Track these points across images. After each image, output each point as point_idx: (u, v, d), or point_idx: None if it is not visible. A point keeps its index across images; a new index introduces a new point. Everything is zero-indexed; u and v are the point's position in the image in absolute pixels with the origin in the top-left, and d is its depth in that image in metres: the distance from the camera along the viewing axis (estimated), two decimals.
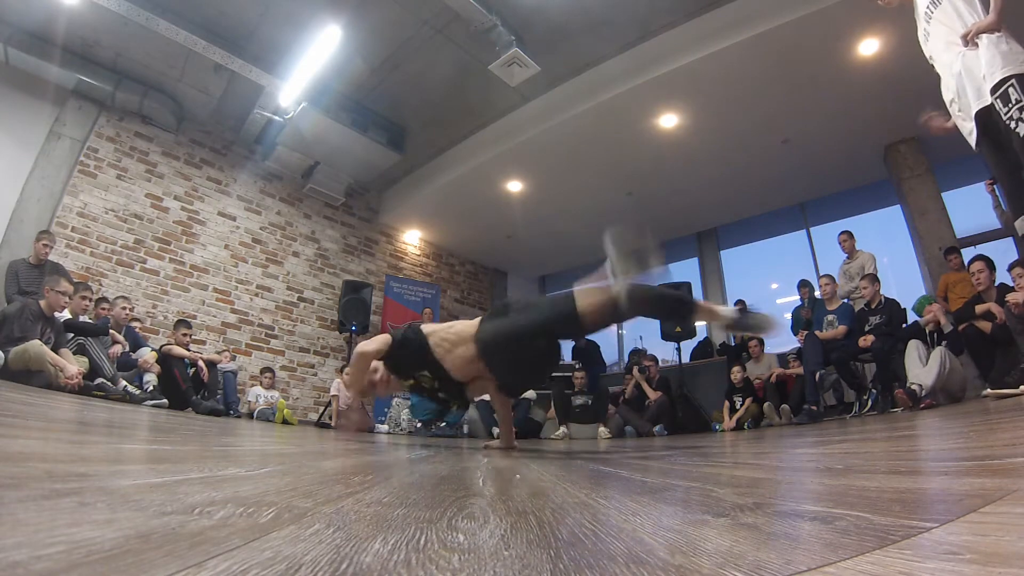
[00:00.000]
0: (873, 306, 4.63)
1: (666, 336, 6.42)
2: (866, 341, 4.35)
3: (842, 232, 5.50)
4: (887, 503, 0.55)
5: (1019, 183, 2.05)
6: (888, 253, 6.56)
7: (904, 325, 4.44)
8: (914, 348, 3.97)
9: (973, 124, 2.19)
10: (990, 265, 3.93)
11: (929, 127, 2.60)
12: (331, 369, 7.00)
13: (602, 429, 5.39)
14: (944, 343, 3.87)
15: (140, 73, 5.69)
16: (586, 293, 2.11)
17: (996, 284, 3.90)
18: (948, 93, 2.32)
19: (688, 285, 6.60)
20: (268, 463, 1.04)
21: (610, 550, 0.41)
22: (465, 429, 6.00)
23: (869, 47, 4.59)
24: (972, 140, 2.22)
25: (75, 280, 4.71)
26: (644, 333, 7.36)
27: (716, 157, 6.30)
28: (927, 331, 4.03)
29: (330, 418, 5.74)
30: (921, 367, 3.86)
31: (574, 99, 5.60)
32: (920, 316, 4.31)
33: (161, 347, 4.81)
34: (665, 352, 6.85)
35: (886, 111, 5.39)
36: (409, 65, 5.57)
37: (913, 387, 3.77)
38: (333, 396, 5.83)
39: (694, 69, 4.91)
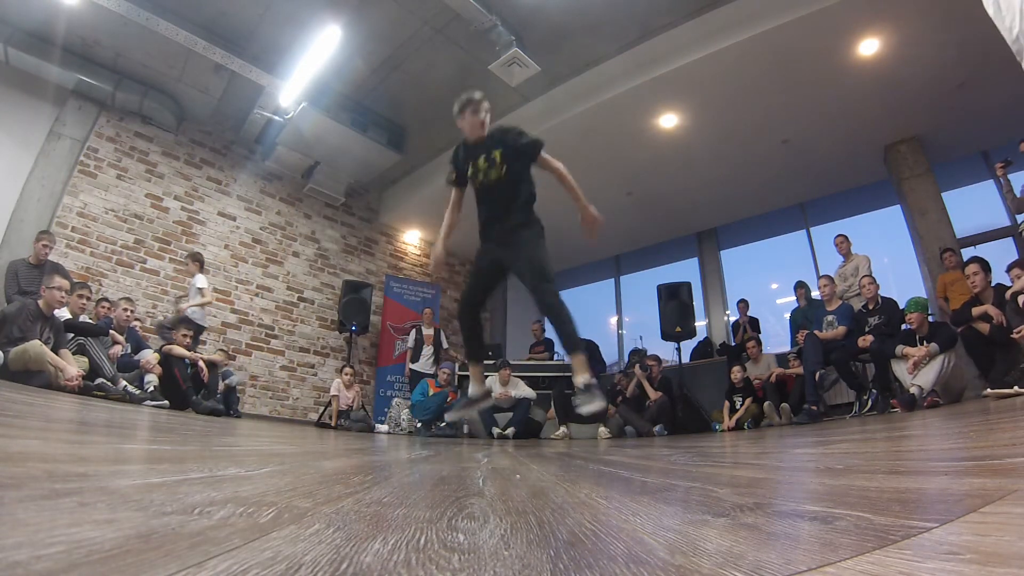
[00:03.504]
0: (871, 307, 4.63)
1: (666, 336, 6.42)
2: (865, 341, 4.36)
3: (838, 235, 5.60)
4: (887, 503, 0.55)
5: None
6: (888, 253, 6.56)
7: (903, 326, 4.45)
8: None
9: None
10: (985, 267, 3.93)
11: None
12: (331, 369, 7.00)
13: (602, 429, 5.39)
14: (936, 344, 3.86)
15: (140, 73, 5.68)
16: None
17: (993, 285, 3.90)
18: (1012, 31, 2.20)
19: (688, 285, 6.60)
20: (268, 463, 1.03)
21: (610, 550, 0.41)
22: (465, 429, 6.01)
23: (869, 47, 4.59)
24: None
25: (75, 280, 4.70)
26: (644, 333, 7.36)
27: (716, 157, 6.30)
28: (916, 336, 4.04)
29: (330, 418, 5.74)
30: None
31: (574, 99, 5.59)
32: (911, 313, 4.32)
33: (161, 347, 4.81)
34: (665, 352, 6.85)
35: (886, 111, 5.39)
36: (409, 65, 5.57)
37: (913, 389, 3.77)
38: (333, 396, 5.83)
39: (694, 69, 4.91)
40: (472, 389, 2.62)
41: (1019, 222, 4.35)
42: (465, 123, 2.61)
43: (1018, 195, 4.30)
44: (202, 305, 5.33)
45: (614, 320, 9.29)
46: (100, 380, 3.96)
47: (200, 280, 5.35)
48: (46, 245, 4.64)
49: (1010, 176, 4.36)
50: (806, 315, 5.45)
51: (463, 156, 2.69)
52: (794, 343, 5.55)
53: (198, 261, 5.52)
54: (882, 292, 4.69)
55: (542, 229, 2.62)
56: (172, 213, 6.13)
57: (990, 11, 2.27)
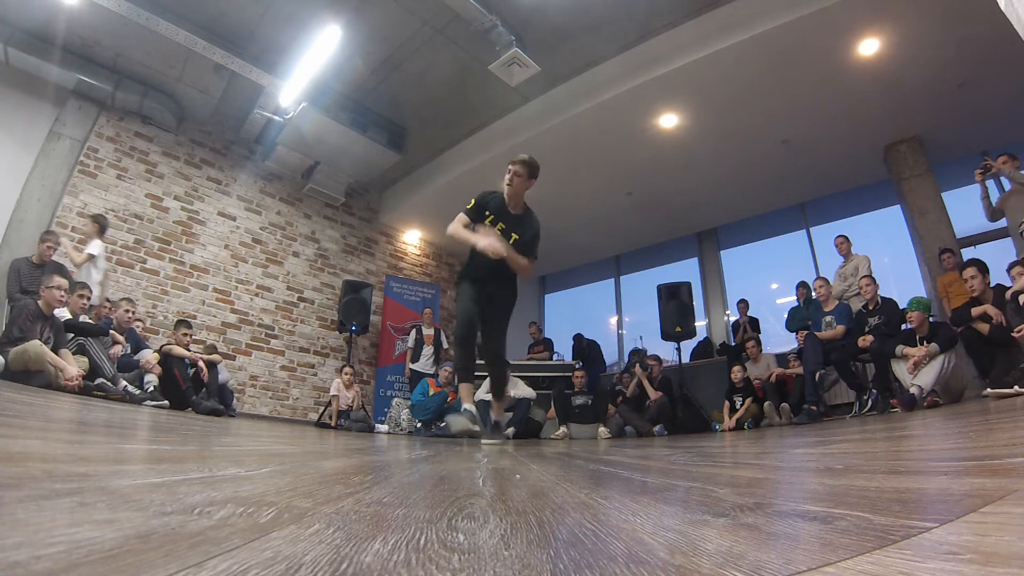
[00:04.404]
0: (871, 307, 4.63)
1: (666, 336, 6.42)
2: (865, 341, 4.36)
3: (838, 236, 5.62)
4: (887, 503, 0.55)
5: None
6: (888, 253, 6.56)
7: (903, 326, 4.45)
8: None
9: None
10: (983, 270, 3.93)
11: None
12: (331, 369, 7.00)
13: (602, 429, 5.39)
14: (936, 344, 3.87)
15: (140, 73, 5.68)
16: None
17: (992, 286, 3.90)
18: None
19: (688, 285, 6.61)
20: (268, 463, 1.03)
21: (610, 550, 0.41)
22: None
23: (869, 47, 4.59)
24: None
25: (75, 280, 4.70)
26: (644, 333, 7.36)
27: (716, 157, 6.30)
28: (916, 336, 4.04)
29: (330, 418, 5.74)
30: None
31: (574, 99, 5.60)
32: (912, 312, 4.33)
33: (161, 347, 4.81)
34: (665, 352, 6.86)
35: (886, 111, 5.39)
36: (409, 65, 5.57)
37: (913, 389, 3.77)
38: (333, 396, 5.83)
39: (694, 69, 4.91)
40: (466, 405, 2.91)
41: (1020, 222, 4.36)
42: (508, 178, 2.88)
43: (994, 204, 4.37)
44: (76, 264, 4.66)
45: (614, 320, 9.30)
46: (100, 380, 3.96)
47: (93, 246, 4.76)
48: (50, 246, 4.63)
49: (990, 184, 4.42)
50: (805, 314, 5.47)
51: (492, 206, 2.93)
52: (786, 327, 5.61)
53: (98, 223, 4.90)
54: (882, 292, 4.70)
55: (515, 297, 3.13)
56: (172, 213, 6.13)
57: (1001, 3, 2.28)
